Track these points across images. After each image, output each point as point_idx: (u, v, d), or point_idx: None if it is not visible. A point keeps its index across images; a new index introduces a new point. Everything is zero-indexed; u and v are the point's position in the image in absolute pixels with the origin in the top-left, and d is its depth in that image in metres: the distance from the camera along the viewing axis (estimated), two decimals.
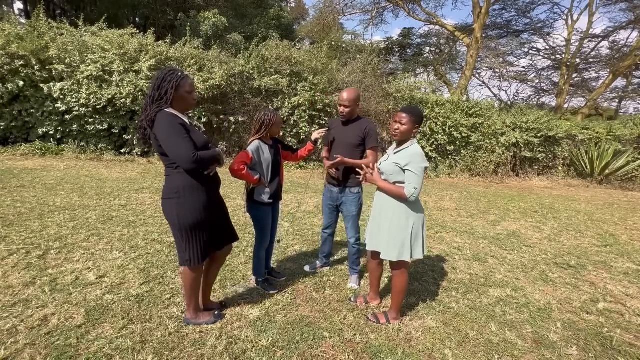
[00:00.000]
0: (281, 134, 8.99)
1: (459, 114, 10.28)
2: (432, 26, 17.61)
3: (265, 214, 2.38)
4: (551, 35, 17.92)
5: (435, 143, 10.09)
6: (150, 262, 2.84)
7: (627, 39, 16.12)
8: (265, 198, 2.33)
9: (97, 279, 2.50)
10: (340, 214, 2.78)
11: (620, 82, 17.34)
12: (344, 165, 2.52)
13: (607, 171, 10.22)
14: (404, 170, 2.01)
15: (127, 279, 2.52)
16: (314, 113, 9.04)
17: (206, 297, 2.16)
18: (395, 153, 2.11)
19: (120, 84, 7.72)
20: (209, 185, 1.87)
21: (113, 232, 3.45)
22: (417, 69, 18.69)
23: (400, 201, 2.07)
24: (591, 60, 17.24)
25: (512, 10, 17.41)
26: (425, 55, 19.44)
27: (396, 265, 2.15)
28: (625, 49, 15.50)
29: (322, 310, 2.31)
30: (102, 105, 7.69)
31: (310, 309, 2.32)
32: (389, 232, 2.10)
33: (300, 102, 8.78)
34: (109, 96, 7.62)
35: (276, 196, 2.41)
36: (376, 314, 2.28)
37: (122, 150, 8.36)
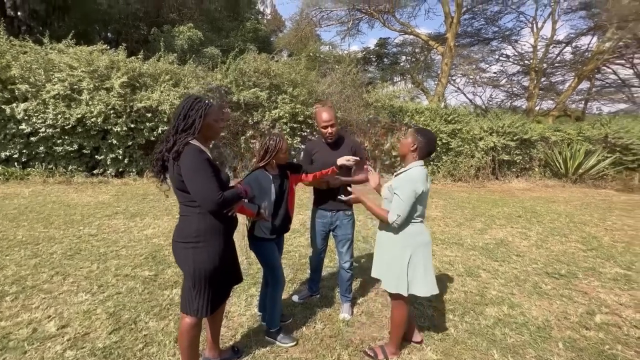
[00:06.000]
0: None
1: (438, 121, 10.41)
2: (407, 36, 17.99)
3: (269, 251, 2.11)
4: (519, 42, 18.67)
5: None
6: (121, 303, 2.55)
7: (589, 44, 16.96)
8: (267, 233, 2.07)
9: (58, 329, 2.20)
10: (332, 239, 2.60)
11: (585, 85, 18.19)
12: (342, 184, 2.35)
13: (580, 170, 10.55)
14: (394, 195, 1.88)
15: (94, 327, 2.23)
16: (295, 125, 8.90)
17: (216, 346, 1.94)
18: (395, 176, 1.99)
19: (90, 103, 7.31)
20: (229, 227, 1.71)
21: (80, 269, 3.12)
22: (395, 78, 19.01)
23: (390, 230, 1.93)
24: (557, 64, 18.04)
25: (481, 19, 18.04)
26: (401, 64, 19.79)
27: (394, 297, 2.00)
28: (587, 54, 16.31)
29: (314, 349, 2.11)
30: (71, 125, 7.24)
31: (300, 348, 2.11)
32: (387, 262, 1.97)
33: (280, 114, 8.63)
34: (79, 115, 7.20)
35: (280, 230, 2.16)
36: (373, 347, 2.10)
37: (94, 172, 7.90)
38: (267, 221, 2.01)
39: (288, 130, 8.78)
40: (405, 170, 1.93)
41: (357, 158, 2.29)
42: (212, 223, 1.60)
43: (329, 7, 16.84)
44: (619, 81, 19.73)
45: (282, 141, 2.09)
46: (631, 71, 19.27)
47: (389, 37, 20.10)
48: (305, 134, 8.88)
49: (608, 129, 11.40)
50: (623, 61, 18.46)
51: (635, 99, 19.61)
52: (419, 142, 1.91)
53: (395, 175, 1.98)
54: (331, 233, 2.55)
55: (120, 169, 8.01)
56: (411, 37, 17.89)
